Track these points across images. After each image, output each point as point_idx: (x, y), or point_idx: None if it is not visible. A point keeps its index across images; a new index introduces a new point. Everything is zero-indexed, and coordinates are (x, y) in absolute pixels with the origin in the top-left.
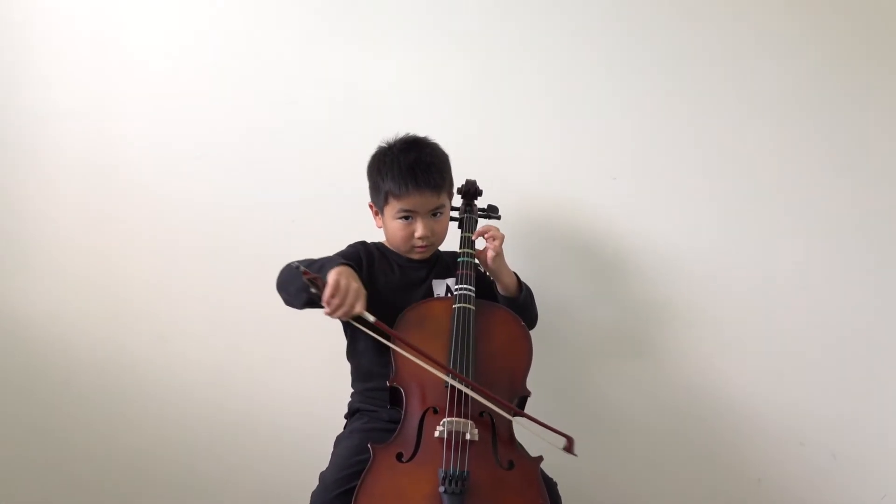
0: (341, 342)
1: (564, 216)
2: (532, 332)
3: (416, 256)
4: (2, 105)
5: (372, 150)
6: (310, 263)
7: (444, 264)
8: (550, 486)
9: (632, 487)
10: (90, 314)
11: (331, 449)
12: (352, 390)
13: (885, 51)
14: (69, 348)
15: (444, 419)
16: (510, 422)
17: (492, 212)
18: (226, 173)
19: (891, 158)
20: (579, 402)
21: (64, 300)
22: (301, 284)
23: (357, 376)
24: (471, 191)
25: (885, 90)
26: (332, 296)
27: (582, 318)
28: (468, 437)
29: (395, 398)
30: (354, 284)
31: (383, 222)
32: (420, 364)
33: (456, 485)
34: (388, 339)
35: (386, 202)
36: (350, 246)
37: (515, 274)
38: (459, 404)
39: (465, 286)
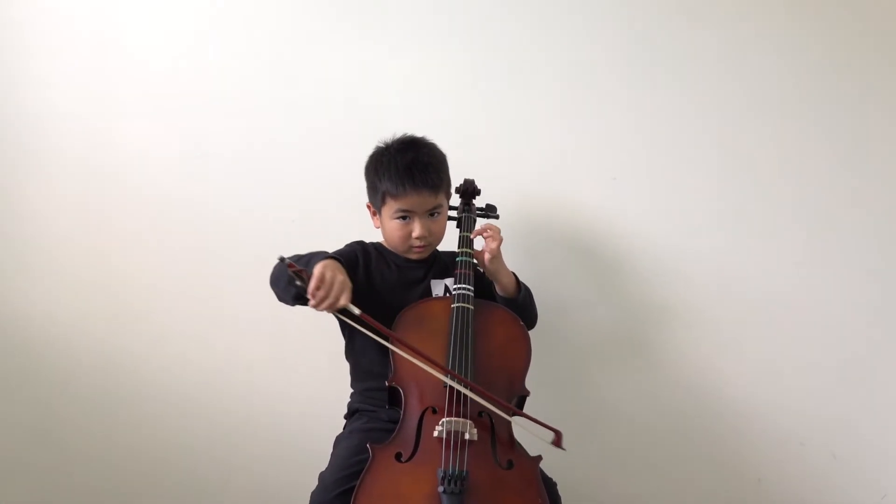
0: (341, 342)
1: (564, 216)
2: (532, 333)
3: (413, 256)
4: (1, 105)
5: (372, 150)
6: (298, 258)
7: (443, 264)
8: (550, 485)
9: (632, 487)
10: (89, 315)
11: (330, 449)
12: (351, 390)
13: (885, 50)
14: (68, 349)
15: (443, 419)
16: (509, 422)
17: (490, 211)
18: (226, 173)
19: (891, 158)
20: (579, 402)
21: (63, 301)
22: (289, 278)
23: (355, 375)
24: (469, 190)
25: (886, 90)
26: (318, 288)
27: (581, 318)
28: (467, 436)
29: (393, 398)
30: (340, 277)
31: (381, 222)
32: (417, 364)
33: (455, 484)
34: (384, 338)
35: (383, 202)
36: (347, 245)
37: (514, 274)
38: (458, 404)
39: (463, 286)
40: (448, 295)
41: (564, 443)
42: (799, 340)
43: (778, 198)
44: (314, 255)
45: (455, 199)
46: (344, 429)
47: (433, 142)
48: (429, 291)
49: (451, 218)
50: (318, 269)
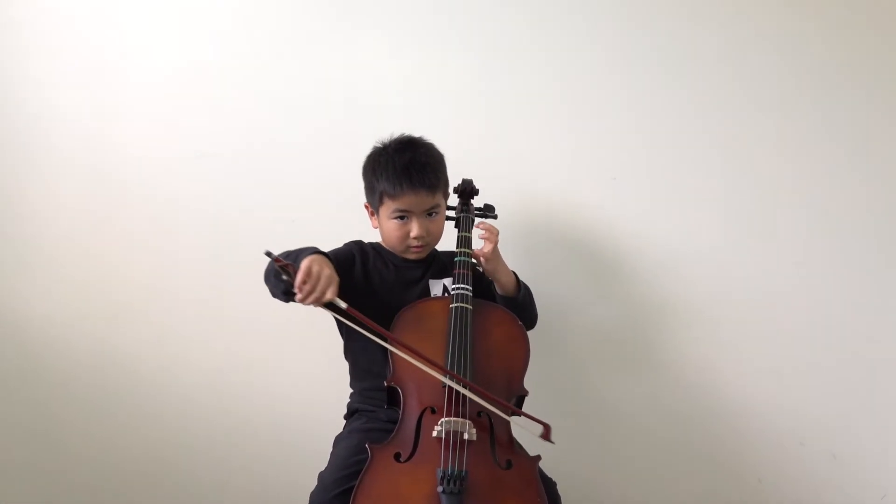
0: (341, 342)
1: (563, 216)
2: (531, 332)
3: (412, 256)
4: (1, 105)
5: (369, 150)
6: (287, 254)
7: (441, 264)
8: (550, 485)
9: (631, 487)
10: (88, 316)
11: (330, 449)
12: (350, 391)
13: (886, 51)
14: (67, 349)
15: (442, 419)
16: (508, 422)
17: (488, 211)
18: (225, 174)
19: (891, 158)
20: (579, 401)
21: (62, 302)
22: (275, 272)
23: (354, 375)
24: (467, 190)
25: (887, 91)
26: (304, 282)
27: (581, 318)
28: (466, 436)
29: (392, 398)
30: (327, 271)
31: (379, 222)
32: (415, 363)
33: (454, 484)
34: (381, 338)
35: (381, 202)
36: (345, 244)
37: (514, 273)
38: (457, 404)
39: (462, 285)
40: (447, 295)
41: (554, 436)
42: (799, 340)
43: (778, 198)
44: (302, 250)
45: (453, 199)
46: (343, 429)
47: (431, 142)
48: (427, 291)
49: (449, 218)
50: (304, 263)
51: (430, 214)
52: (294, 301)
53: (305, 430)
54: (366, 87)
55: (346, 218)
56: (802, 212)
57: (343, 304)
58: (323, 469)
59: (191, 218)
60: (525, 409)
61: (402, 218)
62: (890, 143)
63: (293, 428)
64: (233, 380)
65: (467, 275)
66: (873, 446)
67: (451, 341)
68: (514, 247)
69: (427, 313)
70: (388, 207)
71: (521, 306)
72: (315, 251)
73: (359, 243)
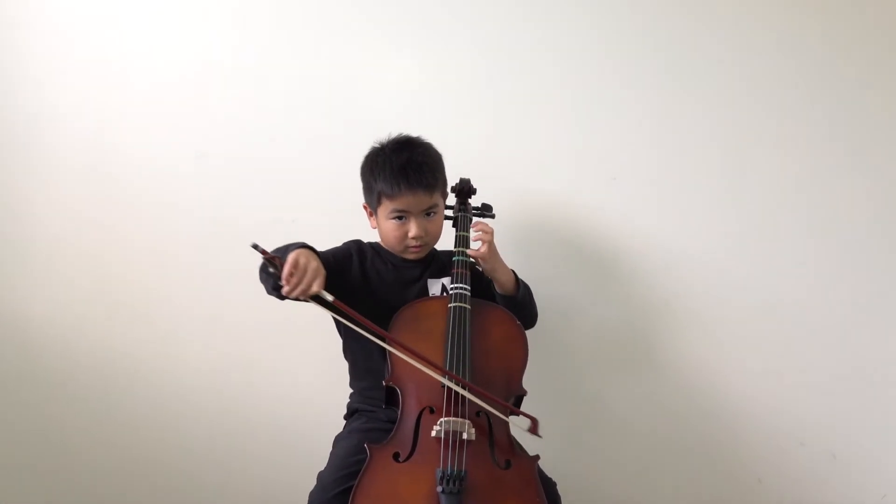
0: (340, 342)
1: (563, 216)
2: (530, 333)
3: (410, 257)
4: (1, 107)
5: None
6: (276, 251)
7: (440, 263)
8: (550, 486)
9: (631, 487)
10: (88, 317)
11: (330, 449)
12: (350, 390)
13: (888, 52)
14: (67, 350)
15: (441, 419)
16: (507, 421)
17: (486, 210)
18: (225, 174)
19: (892, 159)
20: (579, 401)
21: (62, 302)
22: (262, 265)
23: (353, 374)
24: (465, 189)
25: (889, 91)
26: (291, 274)
27: (581, 318)
28: (465, 436)
29: (391, 398)
30: (313, 263)
31: (377, 223)
32: (412, 363)
33: (453, 484)
34: (379, 338)
35: (379, 202)
36: (344, 243)
37: (513, 272)
38: (456, 404)
39: (460, 285)
40: (445, 294)
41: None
42: (799, 341)
43: (779, 198)
44: (290, 245)
45: (451, 199)
46: (343, 429)
47: (429, 141)
48: (425, 290)
49: (447, 217)
50: (291, 256)
51: (428, 214)
52: (283, 296)
53: (305, 430)
54: (366, 87)
55: (345, 218)
56: (803, 213)
57: (329, 297)
58: (322, 469)
59: (191, 218)
60: (524, 409)
61: (400, 218)
62: (891, 144)
63: (293, 428)
64: (233, 380)
65: (465, 274)
66: (873, 446)
67: (449, 341)
68: (513, 247)
69: (425, 313)
70: (386, 208)
71: (521, 305)
72: (302, 245)
73: (357, 242)
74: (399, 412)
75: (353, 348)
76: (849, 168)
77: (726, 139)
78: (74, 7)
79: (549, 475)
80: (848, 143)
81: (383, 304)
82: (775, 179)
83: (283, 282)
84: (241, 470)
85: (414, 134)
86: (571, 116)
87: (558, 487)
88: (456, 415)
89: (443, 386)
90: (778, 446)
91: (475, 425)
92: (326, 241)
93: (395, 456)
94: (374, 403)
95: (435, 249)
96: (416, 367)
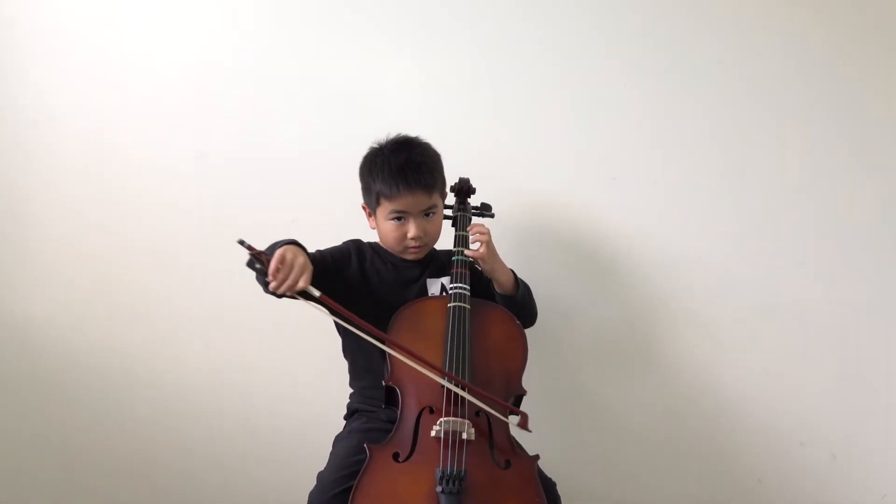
0: (340, 343)
1: (562, 216)
2: (530, 332)
3: (409, 257)
4: (1, 108)
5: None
6: (266, 248)
7: (439, 263)
8: (549, 486)
9: (631, 487)
10: (88, 317)
11: (329, 449)
12: (350, 390)
13: (888, 53)
14: (67, 351)
15: (441, 419)
16: (507, 421)
17: (485, 210)
18: (225, 174)
19: (893, 159)
20: (579, 401)
21: (62, 303)
22: (248, 261)
23: (353, 373)
24: (464, 189)
25: (890, 92)
26: (277, 269)
27: (581, 318)
28: (465, 436)
29: (390, 398)
30: (300, 259)
31: (376, 223)
32: (408, 363)
33: (453, 484)
34: (377, 339)
35: (378, 203)
36: (343, 243)
37: (513, 271)
38: (455, 404)
39: (459, 285)
40: (444, 294)
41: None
42: (799, 341)
43: (779, 198)
44: (278, 242)
45: (451, 199)
46: (343, 429)
47: (427, 142)
48: (425, 290)
49: (447, 217)
50: (278, 252)
51: (427, 215)
52: (270, 291)
53: (305, 431)
54: (366, 87)
55: (345, 218)
56: (804, 213)
57: (316, 293)
58: (322, 469)
59: (191, 218)
60: (523, 408)
61: (399, 219)
62: (891, 144)
63: (292, 428)
64: (233, 380)
65: (465, 274)
66: (873, 446)
67: (448, 341)
68: (513, 246)
69: (424, 312)
70: (384, 208)
71: (521, 304)
72: (290, 242)
73: (356, 242)
74: (399, 412)
75: (352, 347)
76: (849, 168)
77: (726, 139)
78: (74, 7)
79: (549, 475)
80: (848, 143)
81: (383, 303)
82: (775, 179)
83: (270, 277)
84: (241, 470)
85: (414, 134)
86: (571, 116)
87: (558, 487)
88: (456, 415)
89: (442, 386)
90: (778, 446)
91: (475, 425)
92: (326, 241)
93: (395, 456)
94: (374, 403)
95: (434, 249)
96: (416, 367)
